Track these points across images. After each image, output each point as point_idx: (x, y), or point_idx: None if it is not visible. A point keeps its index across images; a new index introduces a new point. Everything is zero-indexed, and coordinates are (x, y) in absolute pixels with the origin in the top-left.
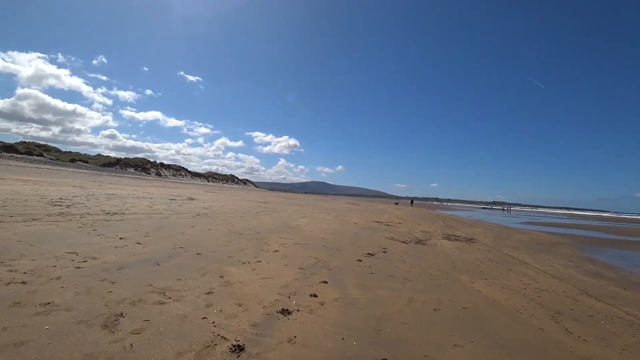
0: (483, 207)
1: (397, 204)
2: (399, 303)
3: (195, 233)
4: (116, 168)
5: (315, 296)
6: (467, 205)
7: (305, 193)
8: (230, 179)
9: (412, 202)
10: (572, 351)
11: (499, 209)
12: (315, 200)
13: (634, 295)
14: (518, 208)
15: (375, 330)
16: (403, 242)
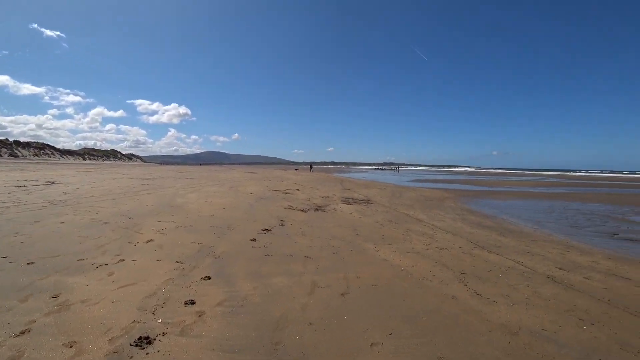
0: (375, 168)
1: (296, 169)
2: (301, 293)
3: (37, 231)
4: None
5: (193, 303)
6: (361, 167)
7: (200, 165)
8: (112, 154)
9: (311, 167)
10: (489, 319)
11: (389, 169)
12: (209, 171)
13: (513, 242)
14: (405, 167)
15: (272, 344)
16: (302, 211)
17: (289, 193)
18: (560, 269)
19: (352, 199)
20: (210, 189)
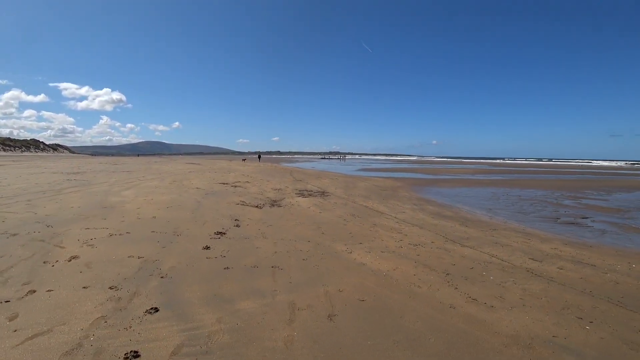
0: (322, 157)
1: (244, 160)
2: (279, 322)
3: None
4: None
5: (137, 357)
6: (308, 156)
7: (138, 155)
8: (34, 145)
9: (259, 156)
10: (498, 331)
11: (335, 159)
12: (148, 163)
13: (477, 232)
14: (350, 156)
15: None
16: (257, 207)
17: (239, 186)
18: (532, 259)
19: (307, 191)
20: (150, 183)
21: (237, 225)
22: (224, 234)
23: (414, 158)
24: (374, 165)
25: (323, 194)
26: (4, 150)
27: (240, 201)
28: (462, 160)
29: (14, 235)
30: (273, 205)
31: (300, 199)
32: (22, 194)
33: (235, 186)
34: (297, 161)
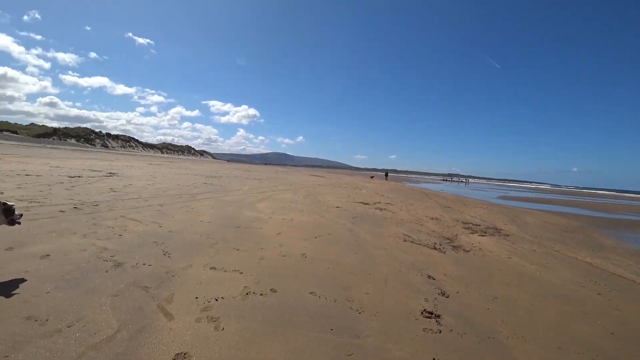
0: (444, 179)
1: (372, 177)
2: None
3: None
4: (53, 139)
5: None
6: (427, 177)
7: (266, 164)
8: (187, 150)
9: (387, 175)
10: None
11: (457, 181)
12: (275, 172)
13: None
14: (472, 180)
15: None
16: (436, 250)
17: (384, 209)
18: None
19: (472, 224)
20: (283, 195)
21: (442, 293)
22: (437, 316)
23: (546, 186)
24: (512, 194)
25: (496, 230)
26: (166, 152)
27: (405, 235)
28: (628, 194)
29: (117, 266)
30: (454, 247)
31: (478, 237)
32: (160, 195)
33: (380, 209)
34: (418, 181)
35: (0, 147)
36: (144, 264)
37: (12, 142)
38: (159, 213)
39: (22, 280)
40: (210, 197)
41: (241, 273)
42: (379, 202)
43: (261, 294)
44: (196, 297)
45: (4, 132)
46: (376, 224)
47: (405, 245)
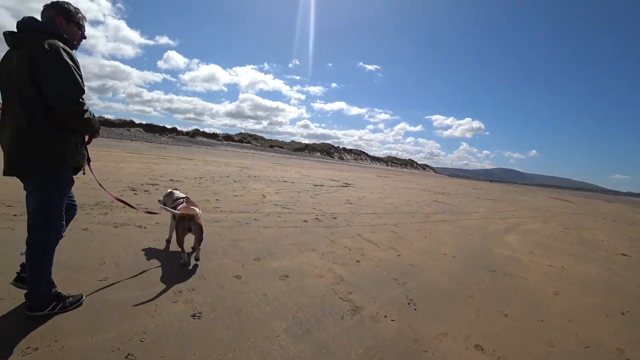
0: None
1: None
2: None
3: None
4: (305, 152)
5: None
6: None
7: (491, 182)
8: (409, 163)
9: None
10: None
11: None
12: (507, 192)
13: None
14: None
15: None
16: None
17: None
18: None
19: None
20: (532, 225)
21: None
22: None
23: None
24: None
25: None
26: (391, 165)
27: None
28: None
29: (354, 312)
30: None
31: None
32: (393, 212)
33: None
34: None
35: (274, 158)
36: (385, 316)
37: (279, 154)
38: (395, 236)
39: (257, 305)
40: (445, 219)
41: None
42: None
43: None
44: None
45: (276, 147)
46: None
47: None
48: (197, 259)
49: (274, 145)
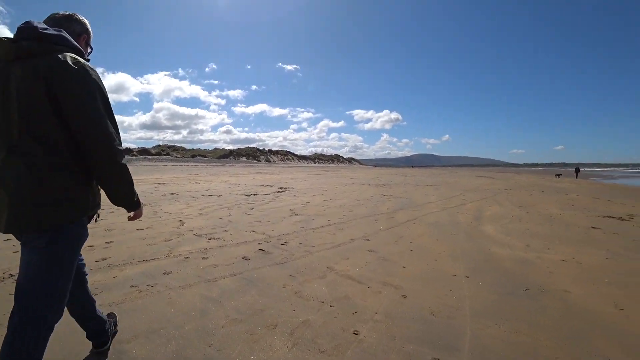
0: None
1: (559, 175)
2: None
3: None
4: (230, 158)
5: None
6: (615, 169)
7: (412, 167)
8: (336, 158)
9: (577, 171)
10: None
11: None
12: (433, 175)
13: None
14: None
15: None
16: None
17: None
18: None
19: None
20: (494, 209)
21: None
22: None
23: None
24: None
25: None
26: (318, 162)
27: None
28: None
29: None
30: None
31: None
32: (350, 218)
33: None
34: (612, 177)
35: (197, 168)
36: None
37: (203, 164)
38: (375, 257)
39: None
40: (410, 217)
41: None
42: None
43: None
44: None
45: (198, 157)
46: None
47: None
48: None
49: (196, 155)
